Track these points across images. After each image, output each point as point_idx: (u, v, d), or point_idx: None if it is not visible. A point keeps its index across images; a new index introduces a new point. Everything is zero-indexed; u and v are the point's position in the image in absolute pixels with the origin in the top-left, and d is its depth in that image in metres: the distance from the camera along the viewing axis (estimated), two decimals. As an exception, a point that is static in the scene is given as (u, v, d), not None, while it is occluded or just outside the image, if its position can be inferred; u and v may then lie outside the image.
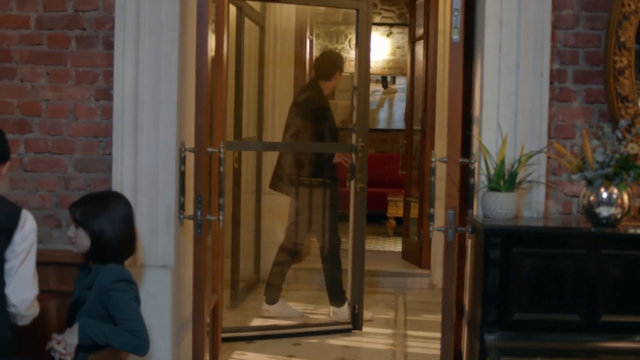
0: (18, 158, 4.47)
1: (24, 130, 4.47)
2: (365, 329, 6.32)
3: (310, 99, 6.49)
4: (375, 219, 10.82)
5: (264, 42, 7.70)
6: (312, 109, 6.43)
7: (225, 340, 5.29)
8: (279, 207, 7.76)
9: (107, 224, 3.56)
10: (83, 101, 4.44)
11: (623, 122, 3.90)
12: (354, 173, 6.27)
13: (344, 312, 6.47)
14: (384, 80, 12.79)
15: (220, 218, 4.35)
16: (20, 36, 4.46)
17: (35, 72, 4.46)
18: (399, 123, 12.50)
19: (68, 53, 4.44)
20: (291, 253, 6.62)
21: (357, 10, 6.35)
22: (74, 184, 4.46)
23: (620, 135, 3.76)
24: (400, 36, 12.75)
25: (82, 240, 3.57)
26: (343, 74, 6.53)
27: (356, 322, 6.34)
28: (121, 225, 3.60)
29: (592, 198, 3.74)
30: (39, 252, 4.34)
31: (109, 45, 4.37)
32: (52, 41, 4.45)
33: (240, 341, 5.96)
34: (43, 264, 4.21)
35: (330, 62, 6.54)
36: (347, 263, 6.47)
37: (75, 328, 3.43)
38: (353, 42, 12.60)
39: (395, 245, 10.06)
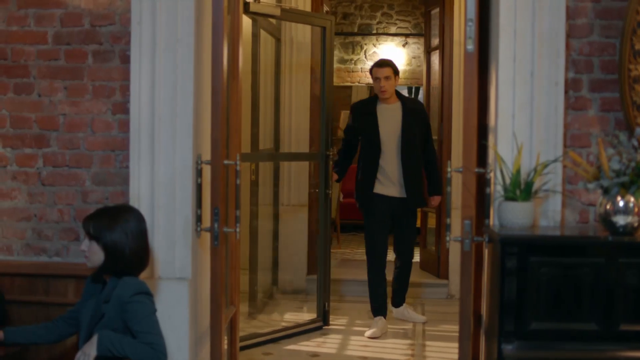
0: (36, 172, 4.52)
1: (42, 145, 4.52)
2: (386, 340, 6.31)
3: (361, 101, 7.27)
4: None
5: (280, 53, 7.73)
6: (359, 112, 6.85)
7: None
8: (296, 219, 7.79)
9: (121, 237, 3.57)
10: (100, 115, 4.48)
11: (639, 130, 3.88)
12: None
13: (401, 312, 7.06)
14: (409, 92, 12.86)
15: (237, 230, 4.37)
16: (38, 51, 4.51)
17: (53, 86, 4.51)
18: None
19: (85, 67, 4.49)
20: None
21: (324, 27, 6.91)
22: (91, 198, 4.49)
23: (636, 143, 3.75)
24: (416, 46, 12.76)
25: (96, 254, 3.58)
26: (376, 79, 6.71)
27: (326, 319, 6.86)
28: (134, 239, 3.61)
29: (608, 206, 3.73)
30: (58, 265, 4.42)
31: (126, 60, 4.41)
32: (69, 56, 4.50)
33: (257, 347, 6.00)
34: (61, 277, 4.29)
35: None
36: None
37: (94, 340, 3.45)
38: (369, 52, 12.68)
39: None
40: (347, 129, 6.88)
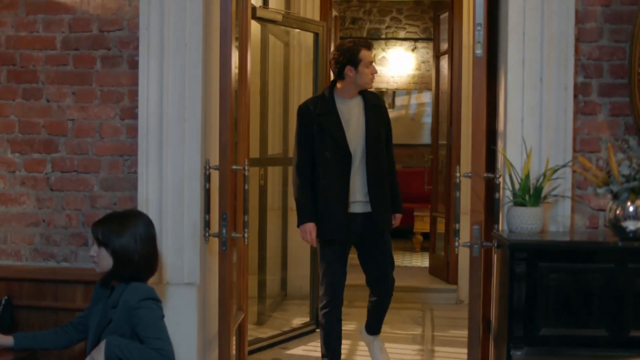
0: (45, 177, 4.52)
1: (50, 150, 4.52)
2: (395, 345, 6.31)
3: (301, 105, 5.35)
4: (402, 234, 10.81)
5: (289, 58, 7.73)
6: (316, 113, 5.18)
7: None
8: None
9: (129, 243, 3.57)
10: (108, 120, 4.48)
11: (649, 135, 3.88)
12: None
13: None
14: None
15: (245, 235, 4.37)
16: (46, 57, 4.52)
17: (62, 92, 4.51)
18: (425, 138, 12.48)
19: (93, 73, 4.49)
20: None
21: (317, 33, 6.96)
22: (100, 203, 4.49)
23: (646, 148, 3.74)
24: (424, 51, 12.75)
25: (104, 260, 3.58)
26: (370, 64, 5.21)
27: (318, 322, 6.51)
28: (143, 244, 3.61)
29: (618, 212, 3.71)
30: (66, 271, 4.42)
31: (134, 65, 4.41)
32: (77, 61, 4.50)
33: (260, 352, 6.01)
34: (70, 282, 4.30)
35: (336, 57, 5.21)
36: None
37: (102, 345, 3.44)
38: (378, 57, 12.65)
39: (422, 261, 10.03)
40: (302, 142, 5.21)
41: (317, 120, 5.13)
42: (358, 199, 5.19)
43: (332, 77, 5.43)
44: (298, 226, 5.20)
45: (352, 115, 5.21)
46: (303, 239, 5.22)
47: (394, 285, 5.51)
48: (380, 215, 5.23)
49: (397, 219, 5.50)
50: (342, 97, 5.23)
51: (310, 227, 5.15)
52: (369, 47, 5.25)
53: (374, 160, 5.18)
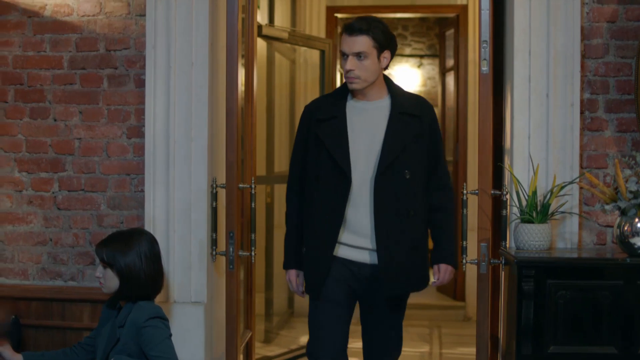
0: (52, 196, 4.53)
1: (57, 169, 4.53)
2: None
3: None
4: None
5: (295, 75, 7.74)
6: (319, 114, 3.79)
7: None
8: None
9: (134, 261, 3.57)
10: (115, 139, 4.49)
11: (656, 151, 3.87)
12: None
13: None
14: None
15: (253, 254, 4.36)
16: (53, 76, 4.53)
17: (69, 111, 4.52)
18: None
19: (100, 92, 4.50)
20: None
21: (323, 51, 7.01)
22: (107, 222, 4.49)
23: (653, 164, 3.73)
24: (430, 67, 12.75)
25: (111, 280, 3.58)
26: (344, 56, 3.69)
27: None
28: (148, 262, 3.60)
29: (626, 228, 3.70)
30: (73, 290, 4.42)
31: (141, 84, 4.42)
32: (84, 80, 4.51)
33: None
34: (77, 301, 4.29)
35: None
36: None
37: (110, 365, 3.45)
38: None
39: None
40: (294, 156, 3.94)
41: (315, 127, 3.72)
42: (363, 245, 3.66)
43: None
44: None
45: (366, 125, 3.69)
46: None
47: None
48: (389, 274, 3.62)
49: (441, 273, 3.79)
50: (360, 98, 3.72)
51: (292, 275, 3.83)
52: (350, 31, 3.65)
53: (387, 190, 3.61)
